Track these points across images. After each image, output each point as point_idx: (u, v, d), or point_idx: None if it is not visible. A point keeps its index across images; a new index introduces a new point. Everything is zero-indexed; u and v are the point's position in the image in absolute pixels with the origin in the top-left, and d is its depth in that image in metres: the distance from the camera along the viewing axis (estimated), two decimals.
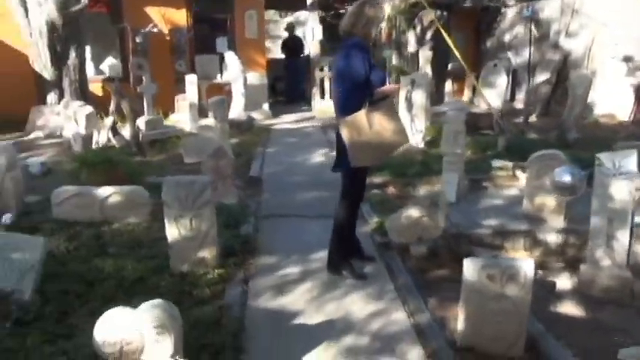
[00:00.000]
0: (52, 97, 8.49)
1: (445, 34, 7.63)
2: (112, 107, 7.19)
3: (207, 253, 3.68)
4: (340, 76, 3.46)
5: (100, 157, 5.01)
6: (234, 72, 9.65)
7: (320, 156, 7.37)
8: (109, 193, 4.49)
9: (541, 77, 10.07)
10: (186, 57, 10.30)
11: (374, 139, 3.33)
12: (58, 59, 8.31)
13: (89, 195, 4.48)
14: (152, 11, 10.04)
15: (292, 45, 12.92)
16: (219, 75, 10.94)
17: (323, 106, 11.28)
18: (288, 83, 13.30)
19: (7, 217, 4.35)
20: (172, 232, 3.62)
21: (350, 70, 3.36)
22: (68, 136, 7.65)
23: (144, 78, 7.83)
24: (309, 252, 4.14)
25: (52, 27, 8.01)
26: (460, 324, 2.91)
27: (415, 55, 11.28)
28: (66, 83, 8.50)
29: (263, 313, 3.27)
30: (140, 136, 7.35)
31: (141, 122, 7.76)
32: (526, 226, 4.43)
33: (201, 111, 10.22)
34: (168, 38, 10.26)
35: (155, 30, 9.89)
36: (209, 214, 3.63)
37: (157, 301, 2.03)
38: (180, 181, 3.60)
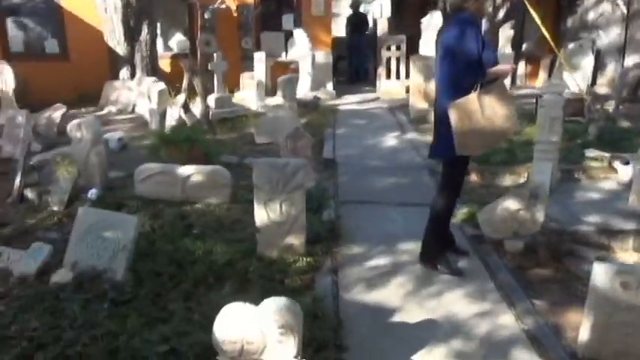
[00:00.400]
0: (124, 72, 8.59)
1: (531, 9, 7.09)
2: (184, 84, 7.15)
3: (296, 240, 3.54)
4: (449, 55, 3.16)
5: (180, 135, 4.95)
6: (303, 50, 9.44)
7: (392, 139, 7.08)
8: (191, 172, 4.42)
9: (630, 60, 9.29)
10: (252, 34, 10.16)
11: (486, 126, 3.04)
12: (130, 35, 8.37)
13: (172, 173, 4.43)
14: None
15: (357, 22, 12.52)
16: (284, 53, 10.76)
17: (388, 87, 10.92)
18: (351, 63, 12.97)
19: (92, 193, 4.36)
20: (261, 215, 3.50)
21: (462, 49, 3.07)
22: (141, 112, 7.72)
23: (214, 55, 7.74)
24: (395, 242, 3.93)
25: (126, 2, 8.04)
26: (583, 333, 2.63)
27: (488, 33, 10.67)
28: (138, 59, 8.57)
29: (358, 307, 3.10)
30: (210, 114, 7.30)
31: (210, 100, 7.70)
32: (635, 225, 4.03)
33: (265, 89, 10.13)
34: (235, 15, 10.15)
35: (223, 6, 9.79)
36: (300, 199, 3.48)
37: (280, 298, 1.87)
38: (273, 164, 3.45)
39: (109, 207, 4.23)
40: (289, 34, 10.78)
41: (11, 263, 3.38)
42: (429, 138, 4.32)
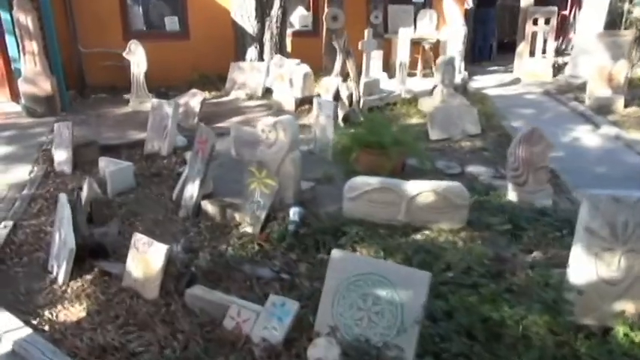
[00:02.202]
0: (252, 52, 7.71)
1: None
2: (336, 67, 6.16)
3: (632, 306, 2.48)
4: None
5: (383, 136, 3.95)
6: (454, 26, 8.19)
7: (589, 135, 5.83)
8: (420, 189, 3.42)
9: None
10: (382, 7, 9.01)
11: None
12: (262, 10, 7.44)
13: (395, 191, 3.45)
14: None
15: None
16: (412, 28, 9.53)
17: (532, 67, 9.50)
18: (476, 39, 11.54)
19: (295, 212, 3.46)
20: (586, 270, 2.45)
21: None
22: (279, 98, 6.82)
23: (366, 32, 6.68)
24: None
25: None
26: None
27: None
28: (267, 37, 7.66)
29: None
30: (361, 102, 6.30)
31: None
32: None
33: (390, 70, 9.02)
34: None
35: None
36: None
37: None
38: (619, 199, 2.36)
39: (324, 233, 3.33)
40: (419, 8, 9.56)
41: (244, 322, 2.53)
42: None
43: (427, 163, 4.27)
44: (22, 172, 4.79)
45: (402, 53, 7.53)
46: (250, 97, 7.44)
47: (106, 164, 4.59)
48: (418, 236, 3.39)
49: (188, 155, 5.06)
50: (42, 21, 6.30)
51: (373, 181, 3.49)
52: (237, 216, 3.67)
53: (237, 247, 3.36)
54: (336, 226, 3.37)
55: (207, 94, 7.67)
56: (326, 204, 3.92)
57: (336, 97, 6.23)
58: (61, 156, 4.87)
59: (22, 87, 6.26)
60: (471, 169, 4.64)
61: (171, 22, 8.28)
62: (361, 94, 6.51)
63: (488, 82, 9.37)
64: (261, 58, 7.73)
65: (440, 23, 9.59)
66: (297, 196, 3.79)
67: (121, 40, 8.06)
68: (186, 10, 8.28)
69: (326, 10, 8.58)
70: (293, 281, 3.00)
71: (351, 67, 6.07)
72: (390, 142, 3.90)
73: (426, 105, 6.83)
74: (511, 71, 9.97)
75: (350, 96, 6.27)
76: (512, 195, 3.97)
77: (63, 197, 3.15)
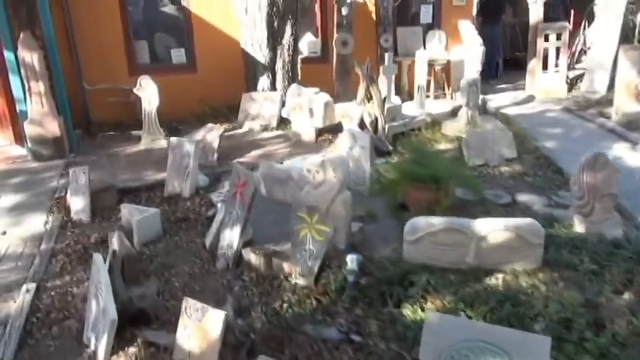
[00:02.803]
0: (264, 82, 7.43)
1: None
2: (359, 94, 5.90)
3: None
4: None
5: (436, 170, 3.64)
6: (472, 45, 7.99)
7: (629, 156, 5.55)
8: (492, 228, 3.11)
9: None
10: (392, 30, 8.81)
11: None
12: (273, 38, 7.20)
13: (464, 231, 3.12)
14: None
15: (494, 7, 10.86)
16: (424, 50, 9.34)
17: (545, 83, 9.31)
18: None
19: (353, 259, 3.11)
20: None
21: None
22: (298, 129, 6.52)
23: (386, 56, 6.45)
24: None
25: (272, 0, 6.86)
26: None
27: None
28: (279, 65, 7.39)
29: None
30: (386, 129, 6.02)
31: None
32: None
33: (401, 93, 8.80)
34: (373, 9, 8.83)
35: None
36: None
37: None
38: None
39: (389, 283, 2.99)
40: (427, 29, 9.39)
41: None
42: None
43: (480, 195, 3.96)
44: (37, 223, 4.42)
45: (420, 76, 7.30)
46: (265, 129, 7.15)
47: (129, 212, 4.24)
48: (492, 280, 3.05)
49: (213, 197, 4.75)
50: (48, 59, 6.00)
51: (437, 221, 3.17)
52: (285, 266, 3.31)
53: (293, 304, 3.01)
54: (401, 273, 3.03)
55: (220, 127, 7.40)
56: (378, 246, 3.59)
57: (361, 125, 5.96)
58: (78, 204, 4.52)
59: (29, 129, 5.92)
60: (522, 197, 4.34)
61: (178, 55, 8.02)
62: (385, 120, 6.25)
63: (502, 101, 9.13)
64: (273, 87, 7.46)
65: (449, 43, 9.41)
66: (350, 239, 3.46)
67: (127, 76, 7.78)
68: (192, 41, 8.02)
69: (335, 35, 8.39)
70: (366, 343, 2.65)
71: (375, 93, 5.81)
72: (447, 175, 3.59)
73: (451, 129, 6.57)
74: (522, 88, 9.77)
75: (374, 123, 6.00)
76: (579, 227, 3.66)
77: (98, 259, 2.79)
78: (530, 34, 9.52)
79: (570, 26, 9.98)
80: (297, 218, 3.24)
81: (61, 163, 5.89)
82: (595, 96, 8.48)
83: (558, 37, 9.18)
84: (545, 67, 9.37)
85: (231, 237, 3.55)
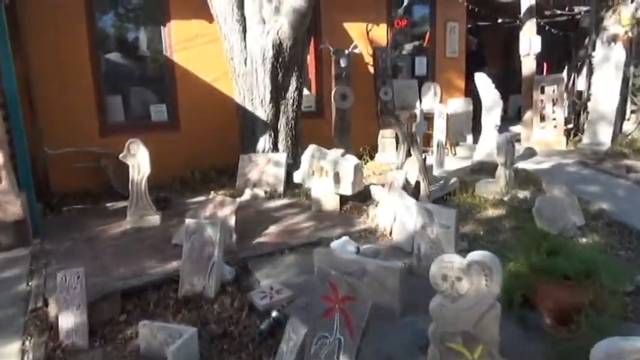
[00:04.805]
0: (265, 141, 6.45)
1: None
2: (400, 157, 5.06)
3: None
4: None
5: (588, 263, 2.77)
6: (490, 98, 7.45)
7: None
8: None
9: None
10: (390, 82, 8.20)
11: None
12: (277, 92, 6.30)
13: None
14: (352, 27, 8.02)
15: (477, 58, 10.68)
16: (418, 103, 8.80)
17: (542, 136, 9.02)
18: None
19: None
20: None
21: None
22: (318, 195, 5.53)
23: (417, 112, 5.71)
24: None
25: (278, 50, 6.00)
26: None
27: None
28: (282, 122, 6.47)
29: None
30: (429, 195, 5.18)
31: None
32: None
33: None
34: (371, 60, 8.19)
35: (357, 50, 7.85)
36: None
37: None
38: None
39: None
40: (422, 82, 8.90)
41: None
42: None
43: (625, 284, 3.15)
44: (8, 355, 3.08)
45: (439, 131, 6.60)
46: (271, 196, 6.11)
47: (151, 331, 3.03)
48: None
49: (256, 298, 3.62)
50: (8, 121, 4.72)
51: None
52: None
53: None
54: None
55: (212, 196, 6.28)
56: None
57: (416, 194, 5.09)
58: (71, 321, 3.23)
59: None
60: None
61: (158, 111, 6.90)
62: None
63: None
64: (275, 147, 6.49)
65: (443, 96, 8.95)
66: None
67: (97, 136, 6.56)
68: (175, 96, 6.95)
69: (333, 88, 7.65)
70: None
71: (416, 154, 4.99)
72: (598, 266, 2.75)
73: (488, 191, 5.86)
74: (517, 140, 9.43)
75: (412, 188, 5.16)
76: None
77: None
78: (524, 86, 9.28)
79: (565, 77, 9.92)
80: (444, 350, 2.23)
81: (26, 254, 4.53)
82: (601, 148, 8.21)
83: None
84: (541, 119, 9.11)
85: None
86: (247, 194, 6.17)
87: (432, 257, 3.84)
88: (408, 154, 5.11)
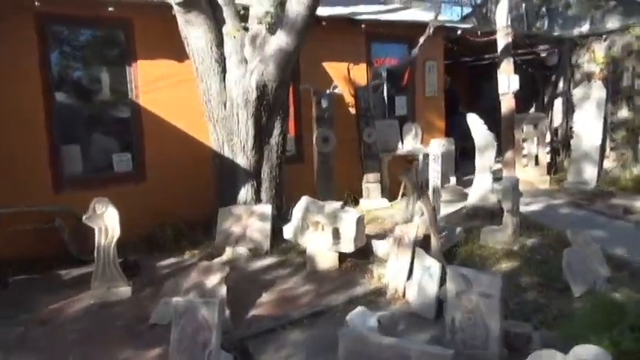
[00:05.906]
0: (246, 192, 5.78)
1: None
2: (410, 209, 4.53)
3: None
4: None
5: None
6: (483, 139, 7.12)
7: None
8: None
9: None
10: (374, 123, 7.75)
11: None
12: (261, 137, 5.69)
13: None
14: (331, 67, 7.57)
15: (452, 100, 10.47)
16: (400, 144, 8.41)
17: (524, 175, 8.77)
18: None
19: None
20: None
21: None
22: (313, 251, 4.87)
23: (420, 158, 5.22)
24: None
25: (262, 91, 5.43)
26: None
27: None
28: (265, 169, 5.84)
29: None
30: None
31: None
32: None
33: (383, 192, 7.69)
34: (352, 101, 7.73)
35: (337, 90, 7.39)
36: None
37: None
38: None
39: None
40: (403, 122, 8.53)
41: None
42: None
43: None
44: None
45: (434, 175, 6.13)
46: (256, 254, 5.40)
47: None
48: None
49: None
50: None
51: None
52: None
53: None
54: None
55: (187, 256, 5.53)
56: None
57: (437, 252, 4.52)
58: None
59: None
60: None
61: (122, 161, 6.11)
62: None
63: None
64: (258, 198, 5.83)
65: (424, 136, 8.61)
66: None
67: (51, 192, 5.70)
68: (142, 143, 6.19)
69: (314, 131, 7.13)
70: None
71: (426, 206, 4.47)
72: None
73: (495, 241, 5.40)
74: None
75: (421, 242, 4.61)
76: None
77: None
78: (503, 124, 9.07)
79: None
80: None
81: None
82: (587, 187, 8.02)
83: (535, 127, 8.84)
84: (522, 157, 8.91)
85: None
86: (227, 253, 5.43)
87: (471, 330, 3.30)
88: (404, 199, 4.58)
